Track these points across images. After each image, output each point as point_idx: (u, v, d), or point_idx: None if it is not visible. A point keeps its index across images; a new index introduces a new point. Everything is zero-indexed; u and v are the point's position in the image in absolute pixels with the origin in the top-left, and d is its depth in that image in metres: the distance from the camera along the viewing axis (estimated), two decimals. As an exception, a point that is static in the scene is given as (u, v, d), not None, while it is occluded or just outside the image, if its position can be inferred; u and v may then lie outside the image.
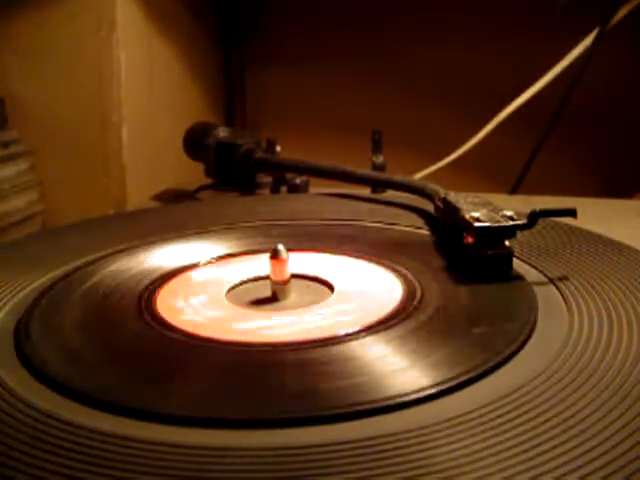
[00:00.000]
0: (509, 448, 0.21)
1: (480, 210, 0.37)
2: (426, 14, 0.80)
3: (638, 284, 0.34)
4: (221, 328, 0.31)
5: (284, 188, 0.61)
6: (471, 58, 0.79)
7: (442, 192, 0.44)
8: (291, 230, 0.45)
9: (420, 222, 0.45)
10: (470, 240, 0.36)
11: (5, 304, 0.35)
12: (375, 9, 0.82)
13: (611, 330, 0.29)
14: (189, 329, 0.31)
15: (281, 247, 0.35)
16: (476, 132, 0.71)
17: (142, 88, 0.69)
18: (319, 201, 0.53)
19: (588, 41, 0.67)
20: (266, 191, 0.62)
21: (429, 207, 0.46)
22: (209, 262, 0.39)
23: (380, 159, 0.61)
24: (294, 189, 0.61)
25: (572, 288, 0.33)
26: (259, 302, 0.35)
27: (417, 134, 0.80)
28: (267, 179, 0.62)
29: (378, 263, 0.38)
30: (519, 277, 0.35)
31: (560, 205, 0.36)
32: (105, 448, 0.23)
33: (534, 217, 0.35)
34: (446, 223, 0.41)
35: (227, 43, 0.86)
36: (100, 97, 0.64)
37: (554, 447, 0.21)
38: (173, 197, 0.66)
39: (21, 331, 0.31)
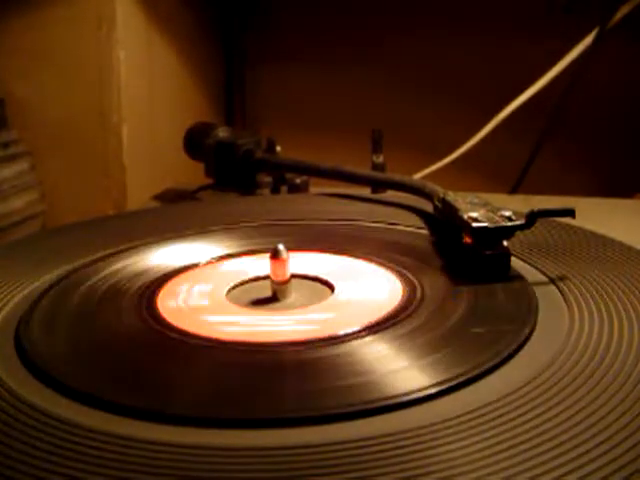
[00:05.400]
0: (508, 448, 0.21)
1: (478, 210, 0.37)
2: (426, 14, 0.80)
3: (638, 284, 0.34)
4: (221, 328, 0.31)
5: (284, 188, 0.61)
6: (471, 58, 0.79)
7: (441, 192, 0.44)
8: (291, 230, 0.45)
9: (420, 222, 0.45)
10: (468, 240, 0.36)
11: (6, 304, 0.35)
12: (375, 9, 0.82)
13: (611, 330, 0.29)
14: (189, 329, 0.31)
15: (281, 247, 0.35)
16: (476, 132, 0.71)
17: (142, 88, 0.69)
18: (319, 201, 0.53)
19: (588, 41, 0.67)
20: (266, 191, 0.62)
21: (429, 207, 0.46)
22: (209, 262, 0.39)
23: (380, 159, 0.61)
24: (294, 189, 0.61)
25: (572, 288, 0.33)
26: (259, 302, 0.35)
27: (417, 134, 0.80)
28: (267, 179, 0.62)
29: (378, 263, 0.38)
30: (519, 277, 0.35)
31: (560, 205, 0.36)
32: (105, 448, 0.23)
33: (532, 217, 0.35)
34: (445, 223, 0.41)
35: (227, 43, 0.86)
36: (100, 97, 0.64)
37: (553, 447, 0.21)
38: (173, 197, 0.66)
39: (22, 331, 0.31)
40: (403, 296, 0.33)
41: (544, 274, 0.36)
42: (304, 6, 0.84)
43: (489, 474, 0.20)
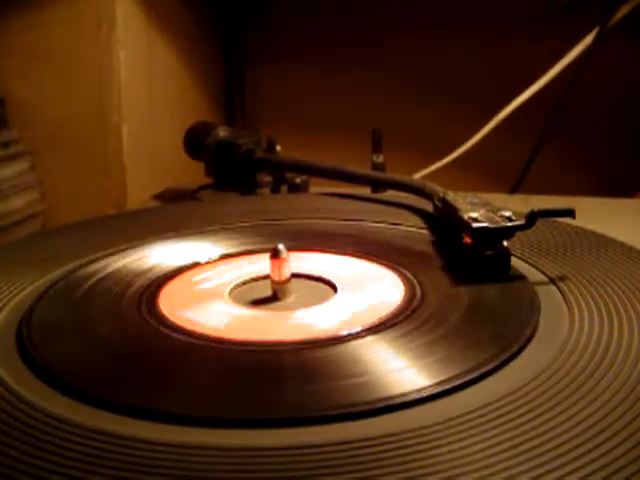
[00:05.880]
0: (510, 448, 0.21)
1: (478, 210, 0.37)
2: (426, 14, 0.80)
3: (638, 283, 0.34)
4: (222, 327, 0.31)
5: (284, 188, 0.61)
6: (471, 58, 0.79)
7: (441, 192, 0.44)
8: (291, 230, 0.45)
9: (420, 222, 0.45)
10: (468, 240, 0.36)
11: (6, 303, 0.35)
12: (375, 9, 0.82)
13: (612, 330, 0.29)
14: (190, 328, 0.31)
15: (281, 247, 0.35)
16: (476, 131, 0.71)
17: (142, 88, 0.69)
18: (319, 201, 0.53)
19: (588, 40, 0.67)
20: (266, 191, 0.62)
21: (429, 207, 0.46)
22: (209, 262, 0.39)
23: (380, 158, 0.61)
24: (294, 189, 0.61)
25: (573, 288, 0.33)
26: (260, 302, 0.35)
27: (417, 134, 0.80)
28: (267, 179, 0.62)
29: (379, 263, 0.38)
30: (520, 277, 0.35)
31: (560, 205, 0.36)
32: (105, 448, 0.23)
33: (532, 217, 0.35)
34: (446, 223, 0.41)
35: (227, 43, 0.86)
36: (100, 97, 0.64)
37: (555, 447, 0.21)
38: (173, 197, 0.66)
39: (23, 330, 0.31)
40: (404, 296, 0.33)
41: (544, 274, 0.36)
42: (304, 6, 0.84)
43: (491, 474, 0.20)
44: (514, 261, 0.36)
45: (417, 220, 0.45)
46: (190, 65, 0.79)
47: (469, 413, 0.23)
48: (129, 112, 0.65)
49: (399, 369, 0.27)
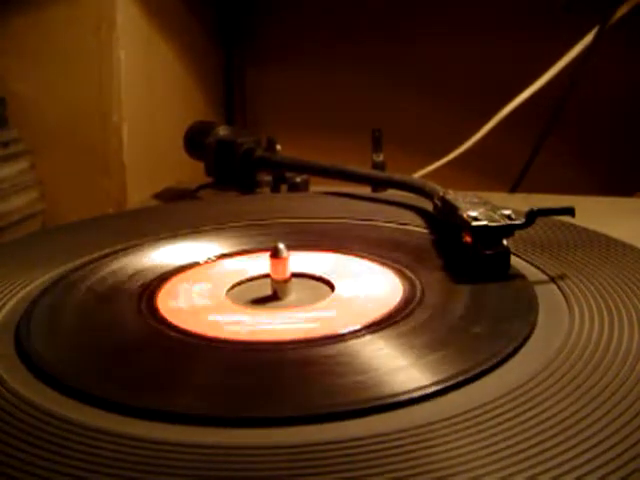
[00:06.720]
0: (506, 447, 0.21)
1: (478, 209, 0.37)
2: (425, 13, 0.80)
3: (638, 282, 0.34)
4: (221, 327, 0.31)
5: (284, 187, 0.61)
6: (471, 56, 0.79)
7: (441, 191, 0.44)
8: (291, 229, 0.45)
9: (420, 221, 0.45)
10: (468, 239, 0.36)
11: (6, 303, 0.35)
12: (375, 9, 0.82)
13: (612, 329, 0.29)
14: (189, 328, 0.31)
15: (281, 246, 0.35)
16: (476, 131, 0.71)
17: (142, 87, 0.69)
18: (318, 200, 0.53)
19: (588, 40, 0.67)
20: (266, 190, 0.62)
21: (429, 206, 0.46)
22: (208, 261, 0.39)
23: (380, 157, 0.61)
24: (294, 188, 0.61)
25: (573, 286, 0.33)
26: (260, 301, 0.35)
27: (417, 133, 0.80)
28: (267, 178, 0.62)
29: (378, 262, 0.38)
30: (520, 275, 0.35)
31: (560, 203, 0.36)
32: (106, 447, 0.23)
33: (532, 216, 0.35)
34: (445, 222, 0.41)
35: (227, 42, 0.86)
36: (100, 96, 0.64)
37: (552, 447, 0.21)
38: (173, 196, 0.66)
39: (22, 330, 0.31)
40: (403, 295, 0.33)
41: (544, 273, 0.36)
42: (304, 6, 0.84)
43: (487, 474, 0.20)
44: (514, 260, 0.36)
45: (417, 219, 0.45)
46: (190, 65, 0.79)
47: (466, 412, 0.23)
48: (129, 112, 0.65)
49: (397, 368, 0.27)
